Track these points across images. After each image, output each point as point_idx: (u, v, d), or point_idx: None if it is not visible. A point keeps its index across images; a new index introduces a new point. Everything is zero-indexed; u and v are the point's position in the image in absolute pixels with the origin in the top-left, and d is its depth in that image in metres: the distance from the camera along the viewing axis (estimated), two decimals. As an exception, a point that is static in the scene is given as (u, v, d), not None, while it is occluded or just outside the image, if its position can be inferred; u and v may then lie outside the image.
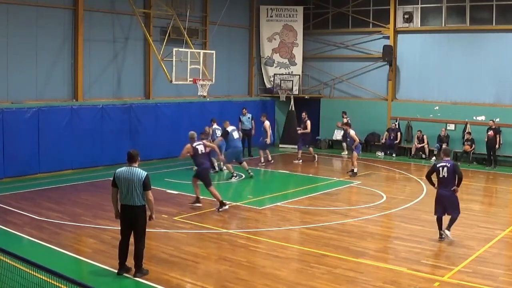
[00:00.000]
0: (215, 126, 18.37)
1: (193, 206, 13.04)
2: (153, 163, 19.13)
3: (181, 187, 15.47)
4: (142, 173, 8.22)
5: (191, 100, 21.31)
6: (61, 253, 9.54)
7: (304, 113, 20.74)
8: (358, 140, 18.11)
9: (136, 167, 8.34)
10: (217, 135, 17.85)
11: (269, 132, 19.91)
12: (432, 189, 15.97)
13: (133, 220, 8.30)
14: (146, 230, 8.57)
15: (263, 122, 19.98)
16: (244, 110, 21.06)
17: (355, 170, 17.84)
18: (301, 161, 20.38)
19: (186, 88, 20.57)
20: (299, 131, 20.74)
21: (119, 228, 8.53)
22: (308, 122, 20.45)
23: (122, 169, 8.32)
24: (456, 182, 10.49)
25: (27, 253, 8.37)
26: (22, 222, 11.46)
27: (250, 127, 20.85)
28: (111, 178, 8.50)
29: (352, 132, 18.19)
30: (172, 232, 11.08)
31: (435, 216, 10.72)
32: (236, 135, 17.28)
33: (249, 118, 20.94)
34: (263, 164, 19.45)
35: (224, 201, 12.79)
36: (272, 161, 19.87)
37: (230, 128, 17.08)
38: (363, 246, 10.34)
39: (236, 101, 23.36)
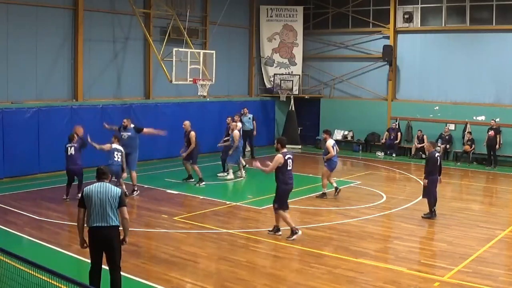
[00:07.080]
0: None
1: None
2: (153, 163, 19.15)
3: (181, 187, 15.47)
4: (116, 189, 7.26)
5: (191, 100, 21.28)
6: (61, 253, 9.54)
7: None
8: (333, 153, 14.18)
9: (108, 183, 7.32)
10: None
11: None
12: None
13: (107, 243, 7.13)
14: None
15: None
16: (245, 110, 20.71)
17: (325, 191, 14.50)
18: None
19: (186, 88, 20.56)
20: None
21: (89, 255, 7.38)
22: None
23: (92, 186, 7.19)
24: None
25: (27, 253, 8.36)
26: (22, 222, 11.45)
27: (251, 127, 20.65)
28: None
29: (329, 142, 14.38)
30: (172, 232, 11.07)
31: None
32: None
33: (249, 118, 20.68)
34: None
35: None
36: None
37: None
38: (363, 246, 10.34)
39: (236, 101, 23.33)
